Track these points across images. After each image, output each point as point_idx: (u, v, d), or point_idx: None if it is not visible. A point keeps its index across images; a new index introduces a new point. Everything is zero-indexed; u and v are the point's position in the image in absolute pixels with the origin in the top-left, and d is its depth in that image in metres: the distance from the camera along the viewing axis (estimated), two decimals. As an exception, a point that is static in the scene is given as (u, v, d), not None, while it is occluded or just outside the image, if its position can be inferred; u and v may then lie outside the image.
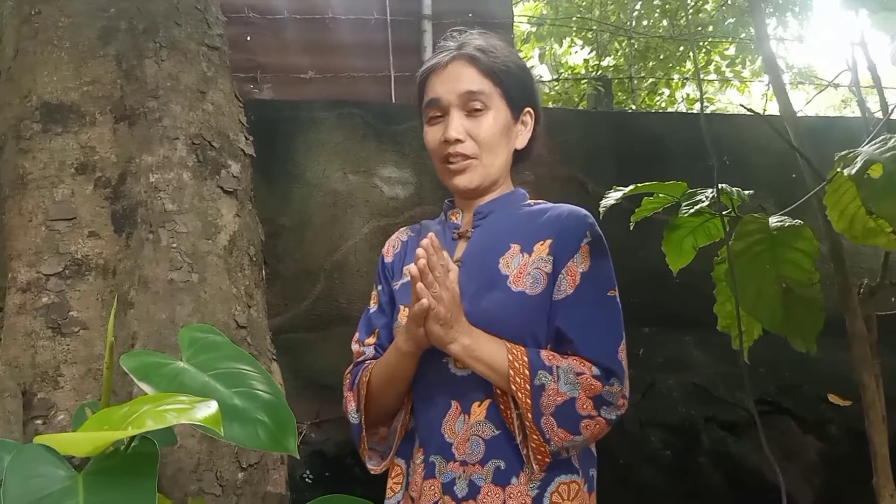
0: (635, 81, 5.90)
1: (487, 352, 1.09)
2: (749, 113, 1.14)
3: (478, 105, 1.18)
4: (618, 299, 1.17)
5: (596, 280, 1.15)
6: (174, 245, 1.30)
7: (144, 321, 1.25)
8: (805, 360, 1.63)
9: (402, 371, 1.18)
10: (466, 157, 1.21)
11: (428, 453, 1.16)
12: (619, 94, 5.53)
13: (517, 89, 1.24)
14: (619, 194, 1.00)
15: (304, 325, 1.95)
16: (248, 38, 2.60)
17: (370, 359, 1.34)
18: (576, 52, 6.66)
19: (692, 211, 0.92)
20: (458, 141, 1.20)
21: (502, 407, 1.12)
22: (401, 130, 2.10)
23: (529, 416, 1.07)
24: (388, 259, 1.37)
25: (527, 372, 1.08)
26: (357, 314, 2.00)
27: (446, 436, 1.14)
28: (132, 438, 0.83)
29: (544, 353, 1.10)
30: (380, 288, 1.38)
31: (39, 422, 1.25)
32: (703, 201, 0.92)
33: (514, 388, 1.08)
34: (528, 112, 1.27)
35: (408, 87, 2.42)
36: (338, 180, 2.05)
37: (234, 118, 1.50)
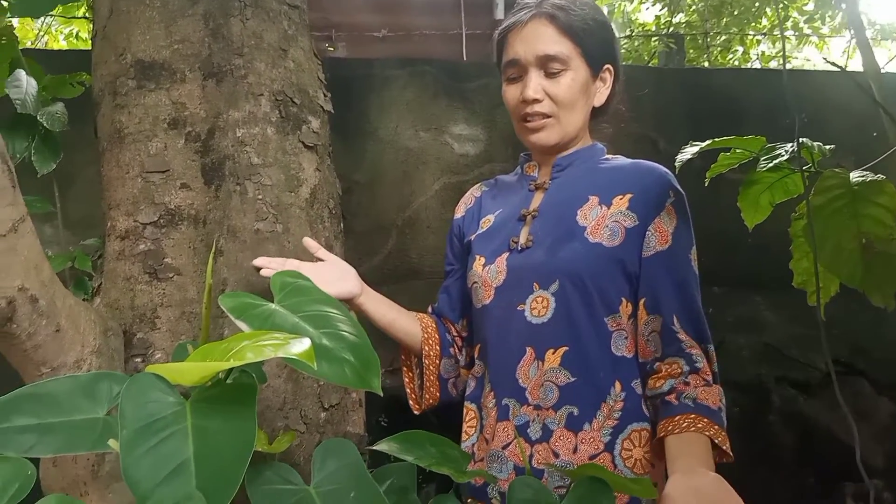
0: (709, 38, 5.70)
1: (708, 461, 1.09)
2: (828, 70, 1.12)
3: (556, 66, 1.20)
4: (694, 262, 1.21)
5: (681, 242, 1.17)
6: (260, 197, 1.37)
7: (233, 268, 1.33)
8: (879, 322, 1.60)
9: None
10: (544, 115, 1.23)
11: (501, 396, 1.21)
12: (692, 51, 5.36)
13: (597, 47, 1.24)
14: (695, 149, 1.00)
15: (377, 279, 2.01)
16: (323, -3, 2.65)
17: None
18: (647, 9, 6.47)
19: (770, 165, 0.91)
20: (535, 101, 1.22)
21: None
22: (471, 88, 2.11)
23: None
24: (459, 215, 1.42)
25: (717, 428, 1.11)
26: (427, 269, 2.07)
27: (520, 381, 1.19)
28: (232, 370, 0.90)
29: (709, 401, 1.12)
30: (448, 251, 1.44)
31: (139, 360, 1.34)
32: (783, 156, 0.91)
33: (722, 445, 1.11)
34: (608, 69, 1.28)
35: (479, 45, 2.42)
36: (409, 137, 2.09)
37: (313, 75, 1.55)
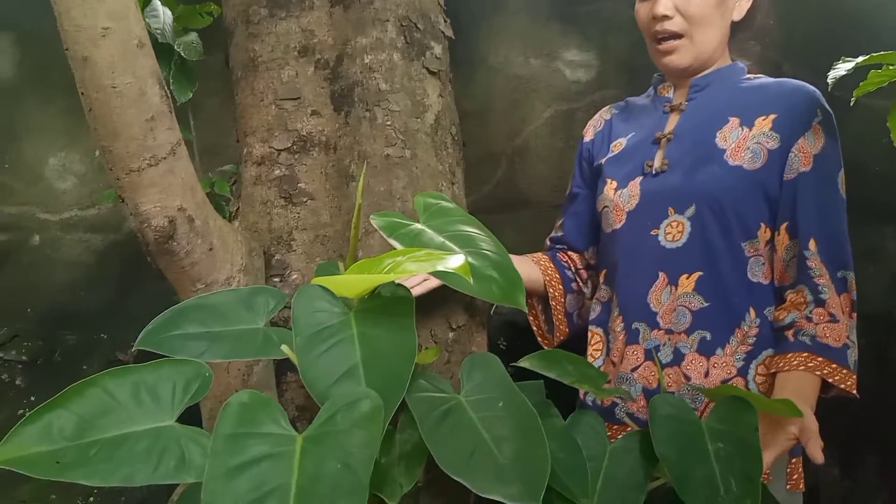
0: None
1: (812, 400, 1.09)
2: None
3: None
4: (841, 186, 1.16)
5: (827, 164, 1.13)
6: (388, 123, 1.40)
7: (365, 192, 1.37)
8: None
9: None
10: (675, 34, 1.20)
11: (630, 320, 1.23)
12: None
13: None
14: (849, 65, 0.95)
15: (487, 208, 2.03)
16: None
17: (547, 249, 1.44)
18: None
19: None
20: (665, 17, 1.19)
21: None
22: (585, 13, 2.05)
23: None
24: (588, 138, 1.41)
25: (846, 370, 1.10)
26: (536, 199, 2.07)
27: (652, 305, 1.20)
28: (389, 285, 0.95)
29: (831, 338, 1.11)
30: (575, 173, 1.43)
31: (276, 279, 1.42)
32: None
33: (846, 388, 1.10)
34: None
35: (592, -34, 2.32)
36: (520, 65, 2.06)
37: (433, 1, 1.55)
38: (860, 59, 0.95)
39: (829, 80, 1.01)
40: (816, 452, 0.98)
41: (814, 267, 1.12)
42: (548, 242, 1.50)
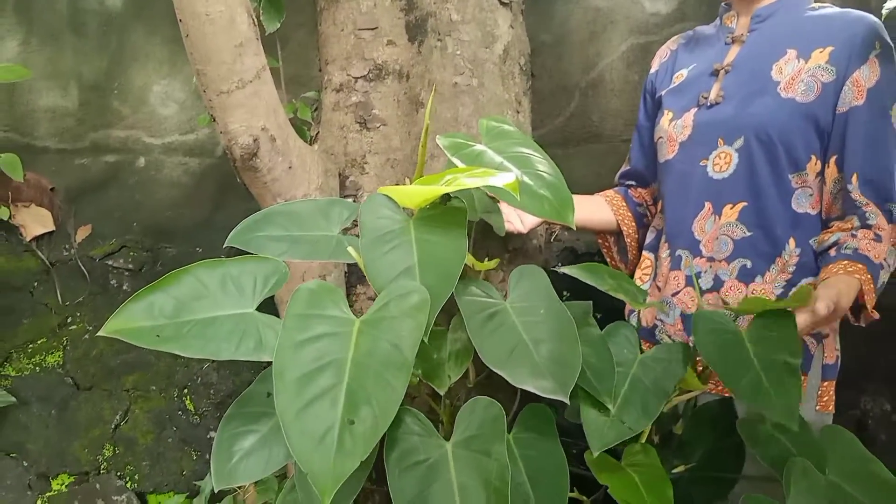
0: None
1: (846, 296, 1.07)
2: None
3: None
4: (895, 119, 1.14)
5: (882, 98, 1.12)
6: (458, 52, 1.46)
7: (433, 118, 1.45)
8: None
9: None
10: None
11: (675, 247, 1.28)
12: None
13: None
14: (904, -4, 0.94)
15: (558, 141, 2.08)
16: None
17: (618, 185, 1.48)
18: None
19: None
20: None
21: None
22: (668, -58, 2.02)
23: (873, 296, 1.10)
24: (654, 69, 1.43)
25: (872, 285, 1.10)
26: (608, 132, 2.10)
27: (696, 233, 1.24)
28: (448, 197, 1.04)
29: (871, 250, 1.11)
30: (641, 106, 1.46)
31: (350, 199, 1.54)
32: None
33: (867, 301, 1.10)
34: None
35: None
36: (598, -3, 2.07)
37: (510, -68, 1.58)
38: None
39: (883, 11, 1.00)
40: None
41: (859, 199, 1.12)
42: (617, 179, 1.54)
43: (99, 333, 0.92)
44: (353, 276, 1.48)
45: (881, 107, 1.11)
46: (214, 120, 1.26)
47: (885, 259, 1.10)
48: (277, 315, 1.33)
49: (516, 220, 1.28)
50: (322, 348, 0.83)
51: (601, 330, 1.10)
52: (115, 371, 2.10)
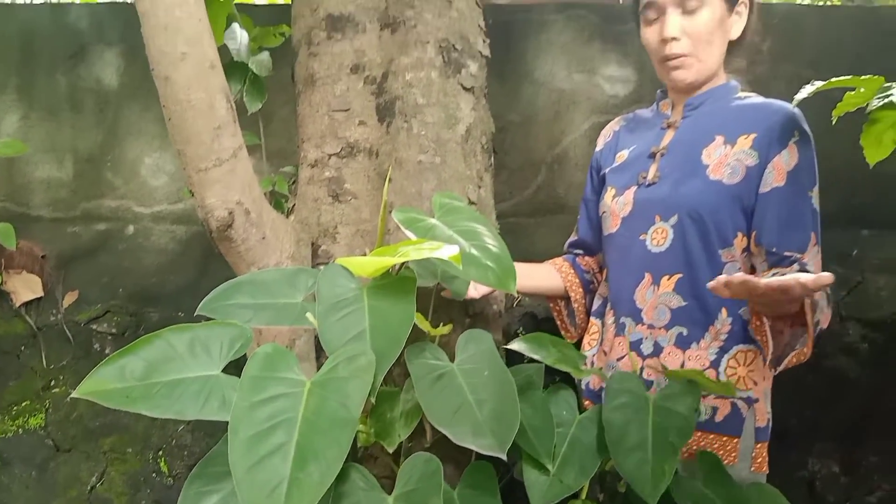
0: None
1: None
2: None
3: (693, 3, 1.27)
4: (815, 201, 1.24)
5: (800, 179, 1.22)
6: (423, 133, 1.58)
7: (399, 193, 1.56)
8: None
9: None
10: (682, 55, 1.31)
11: (619, 315, 1.37)
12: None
13: None
14: (812, 88, 1.06)
15: (526, 212, 2.19)
16: (487, -54, 2.82)
17: (566, 254, 1.59)
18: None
19: (881, 104, 0.97)
20: (674, 39, 1.30)
21: (758, 323, 1.22)
22: (625, 31, 2.19)
23: (806, 350, 1.15)
24: (599, 148, 1.55)
25: (811, 312, 1.12)
26: (572, 204, 2.22)
27: (637, 302, 1.33)
28: (398, 268, 1.13)
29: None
30: (588, 181, 1.58)
31: (322, 267, 1.63)
32: (894, 95, 0.96)
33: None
34: (743, 2, 1.32)
35: (635, -12, 2.45)
36: (563, 79, 2.21)
37: (474, 23, 1.72)
38: (822, 84, 1.06)
39: (794, 100, 1.12)
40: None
41: (780, 251, 1.21)
42: (566, 247, 1.64)
43: (73, 395, 0.99)
44: (323, 341, 1.55)
45: (800, 188, 1.21)
46: (193, 194, 1.36)
47: (818, 297, 1.16)
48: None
49: (472, 287, 1.38)
50: (275, 408, 0.91)
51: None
52: (93, 433, 2.15)
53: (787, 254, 1.21)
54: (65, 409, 2.19)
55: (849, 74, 1.07)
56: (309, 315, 1.10)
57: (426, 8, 1.62)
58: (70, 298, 2.32)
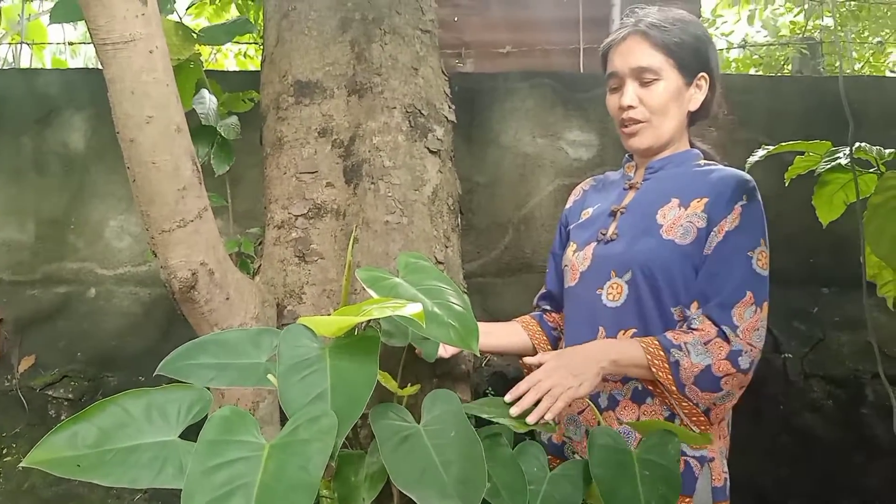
0: (851, 43, 5.42)
1: (627, 355, 1.25)
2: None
3: (649, 77, 1.35)
4: (757, 261, 1.26)
5: (739, 239, 1.27)
6: (389, 194, 1.60)
7: (366, 253, 1.57)
8: None
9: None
10: (638, 121, 1.38)
11: (576, 369, 1.37)
12: (831, 56, 5.11)
13: (690, 58, 1.37)
14: (764, 152, 1.11)
15: (494, 271, 2.21)
16: (456, 19, 2.93)
17: (535, 309, 1.60)
18: (784, 19, 6.24)
19: (828, 167, 1.01)
20: (630, 107, 1.37)
21: (651, 387, 1.29)
22: (587, 98, 2.26)
23: (674, 389, 1.23)
24: (569, 205, 1.60)
25: (662, 354, 1.23)
26: (539, 263, 2.25)
27: (593, 356, 1.34)
28: (361, 327, 1.12)
29: (671, 334, 1.26)
30: (556, 237, 1.61)
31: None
32: (841, 158, 1.01)
33: (655, 370, 1.24)
34: (703, 77, 1.39)
35: (595, 58, 2.56)
36: (528, 143, 2.27)
37: (440, 90, 1.77)
38: (773, 148, 1.11)
39: (746, 164, 1.17)
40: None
41: (692, 314, 1.27)
42: (535, 302, 1.66)
43: (21, 464, 0.95)
44: (287, 404, 1.52)
45: (737, 246, 1.25)
46: (156, 255, 1.35)
47: (684, 343, 1.21)
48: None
49: (441, 347, 1.37)
50: (232, 472, 0.88)
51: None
52: (47, 503, 2.05)
53: (709, 304, 1.25)
54: (17, 478, 2.10)
55: (799, 139, 1.12)
56: (270, 376, 1.09)
57: (393, 75, 1.67)
58: (26, 363, 2.26)
